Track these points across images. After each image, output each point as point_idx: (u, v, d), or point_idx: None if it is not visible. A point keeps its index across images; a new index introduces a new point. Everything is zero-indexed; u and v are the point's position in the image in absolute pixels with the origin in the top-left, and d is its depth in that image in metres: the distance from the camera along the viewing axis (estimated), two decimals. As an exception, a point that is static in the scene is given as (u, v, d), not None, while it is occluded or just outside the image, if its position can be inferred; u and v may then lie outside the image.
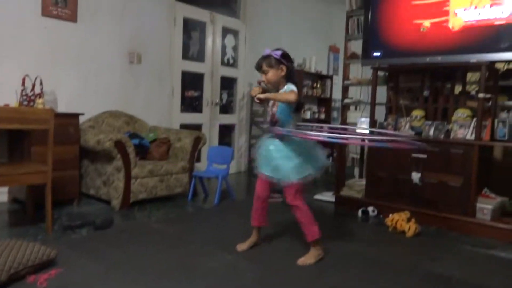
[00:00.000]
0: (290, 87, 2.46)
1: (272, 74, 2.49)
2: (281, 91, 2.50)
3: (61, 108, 3.89)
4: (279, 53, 2.48)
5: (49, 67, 3.86)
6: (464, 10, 3.36)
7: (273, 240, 2.95)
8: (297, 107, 2.53)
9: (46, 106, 3.45)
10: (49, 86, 3.78)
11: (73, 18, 4.01)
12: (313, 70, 6.79)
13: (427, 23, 3.55)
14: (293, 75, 2.55)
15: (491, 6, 3.24)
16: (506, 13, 3.18)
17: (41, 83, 3.57)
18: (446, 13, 3.45)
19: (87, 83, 4.19)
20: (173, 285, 2.18)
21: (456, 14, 3.40)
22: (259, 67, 2.51)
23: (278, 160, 2.48)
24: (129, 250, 2.63)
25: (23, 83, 3.49)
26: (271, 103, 2.55)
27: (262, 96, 2.42)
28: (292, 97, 2.37)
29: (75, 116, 3.66)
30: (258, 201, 2.68)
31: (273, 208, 3.32)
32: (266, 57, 2.49)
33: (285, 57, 2.50)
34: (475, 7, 3.30)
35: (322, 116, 7.16)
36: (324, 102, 7.27)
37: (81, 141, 3.66)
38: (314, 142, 2.54)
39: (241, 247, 2.72)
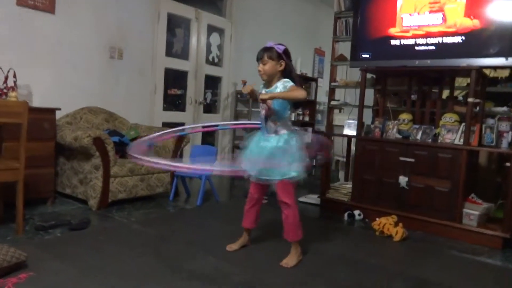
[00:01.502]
0: (289, 83, 2.42)
1: (270, 66, 2.46)
2: (278, 86, 2.44)
3: (36, 103, 3.68)
4: (282, 48, 2.47)
5: (23, 59, 3.66)
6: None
7: (258, 242, 2.84)
8: (296, 103, 2.48)
9: (20, 100, 3.27)
10: (23, 79, 3.56)
11: (50, 8, 3.82)
12: (298, 72, 6.73)
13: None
14: (293, 73, 2.52)
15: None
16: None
17: (14, 76, 3.37)
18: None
19: (65, 78, 4.00)
20: (154, 290, 2.06)
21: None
22: (260, 57, 2.48)
23: (275, 155, 2.39)
24: (106, 253, 2.48)
25: (-5, 75, 3.31)
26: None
27: (266, 96, 2.34)
28: (302, 93, 2.33)
29: (51, 111, 3.48)
30: (251, 202, 2.63)
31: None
32: (269, 49, 2.47)
33: (286, 54, 2.49)
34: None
35: (307, 118, 7.09)
36: (309, 105, 7.20)
37: (57, 138, 3.49)
38: (301, 143, 2.48)
39: (232, 247, 2.66)
